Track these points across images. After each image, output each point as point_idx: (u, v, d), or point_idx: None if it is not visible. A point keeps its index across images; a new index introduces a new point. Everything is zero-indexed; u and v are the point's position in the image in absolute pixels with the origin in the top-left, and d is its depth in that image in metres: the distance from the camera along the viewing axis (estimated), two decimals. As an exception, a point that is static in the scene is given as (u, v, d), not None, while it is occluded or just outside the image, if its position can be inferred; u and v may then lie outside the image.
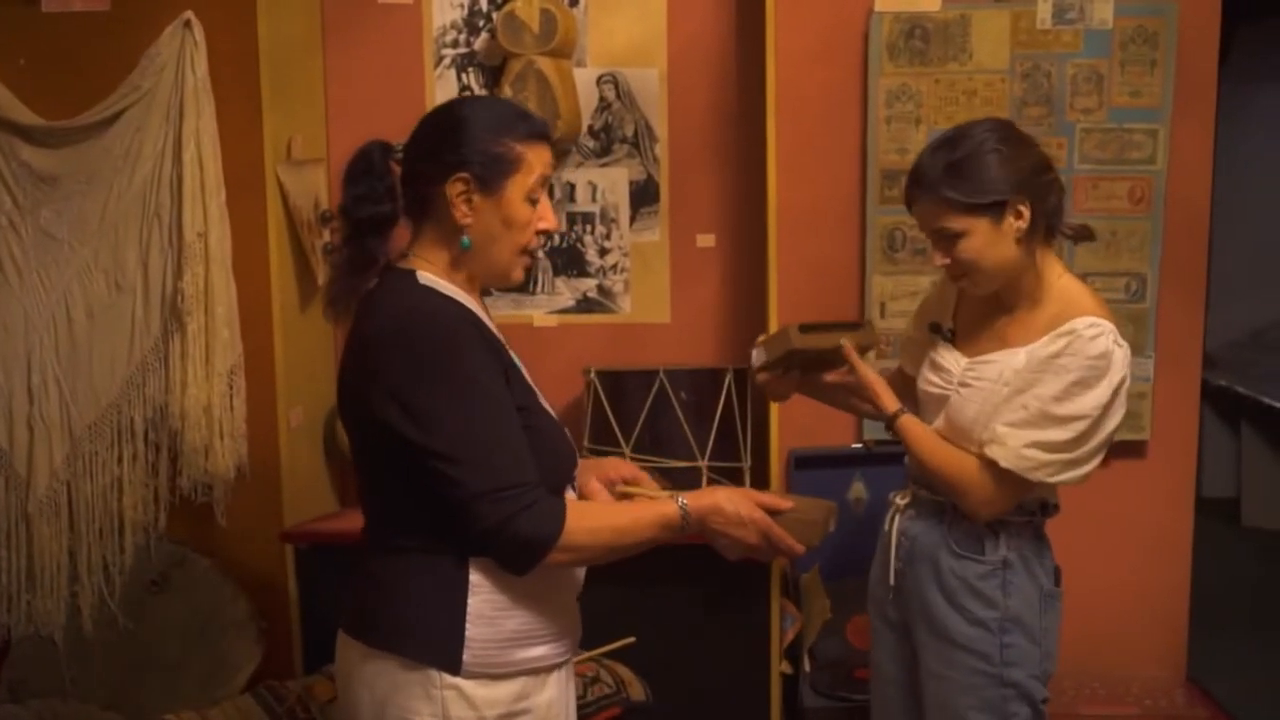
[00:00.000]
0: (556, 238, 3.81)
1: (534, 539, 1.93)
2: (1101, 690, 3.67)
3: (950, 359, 2.48)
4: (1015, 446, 2.30)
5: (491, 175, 2.00)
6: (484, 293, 2.20)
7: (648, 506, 2.06)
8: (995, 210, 2.29)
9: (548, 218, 2.07)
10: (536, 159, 2.03)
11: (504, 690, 2.02)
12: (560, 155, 3.78)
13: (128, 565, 3.57)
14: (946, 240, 2.33)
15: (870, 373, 2.46)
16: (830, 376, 2.58)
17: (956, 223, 2.30)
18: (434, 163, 2.02)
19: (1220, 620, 4.72)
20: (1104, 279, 3.61)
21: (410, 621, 2.01)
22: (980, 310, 2.48)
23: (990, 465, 2.33)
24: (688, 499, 2.03)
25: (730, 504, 2.04)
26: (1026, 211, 2.30)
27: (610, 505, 2.10)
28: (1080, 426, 2.28)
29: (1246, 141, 6.79)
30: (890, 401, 2.45)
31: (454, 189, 1.99)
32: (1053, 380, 2.28)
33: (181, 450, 3.47)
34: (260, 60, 3.42)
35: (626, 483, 2.28)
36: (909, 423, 2.44)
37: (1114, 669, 3.77)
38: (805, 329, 2.44)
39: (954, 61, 3.59)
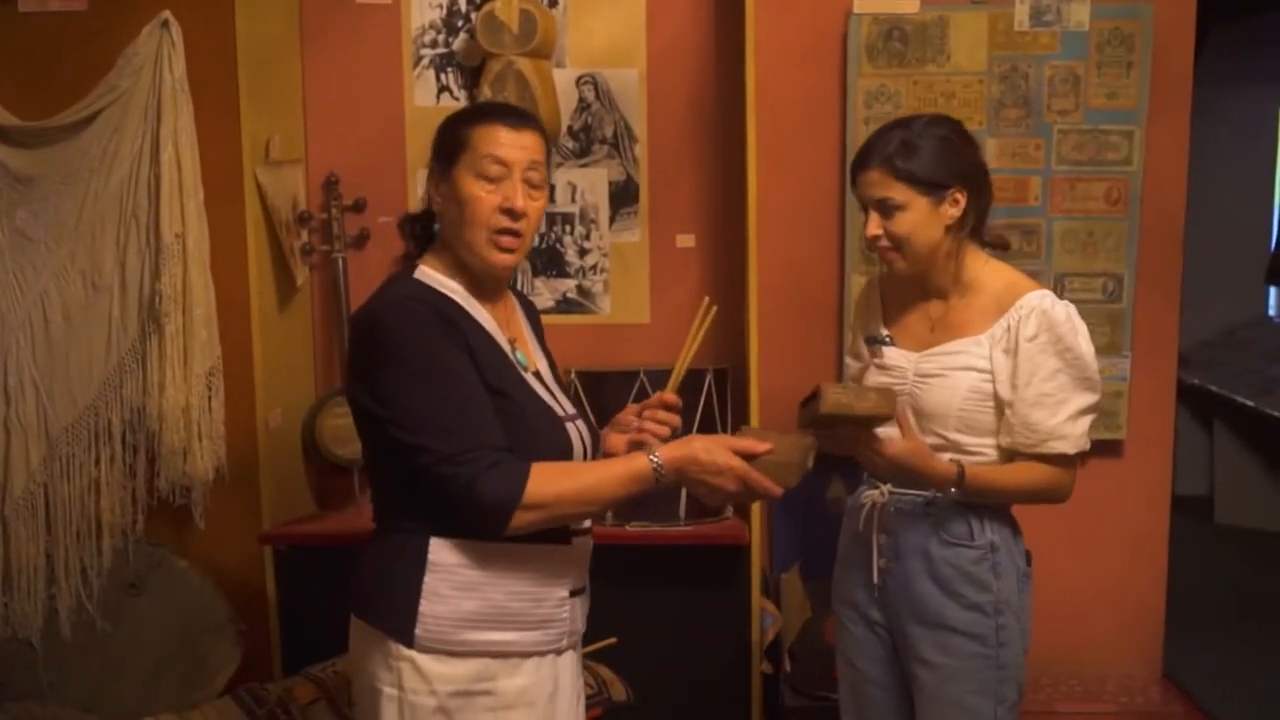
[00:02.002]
0: (536, 238, 3.81)
1: (496, 500, 1.98)
2: (1078, 687, 3.69)
3: (898, 356, 2.56)
4: (1072, 432, 2.42)
5: (444, 160, 2.12)
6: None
7: (617, 462, 2.08)
8: (937, 192, 2.42)
9: (511, 196, 2.08)
10: (484, 139, 2.08)
11: (460, 669, 2.06)
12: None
13: (105, 567, 3.55)
14: (885, 211, 2.44)
15: (908, 443, 2.40)
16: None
17: (900, 194, 2.41)
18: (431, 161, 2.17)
19: (1195, 618, 4.77)
20: (1081, 279, 3.64)
21: (375, 594, 2.11)
22: (909, 306, 2.59)
23: (1057, 459, 2.44)
24: (661, 452, 2.05)
25: (707, 453, 2.04)
26: (963, 201, 2.44)
27: (580, 464, 2.12)
28: (1095, 382, 2.44)
29: (1219, 141, 6.85)
30: (945, 465, 2.41)
31: (430, 182, 2.15)
32: (1049, 358, 2.40)
33: (159, 452, 3.46)
34: (238, 60, 3.42)
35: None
36: (972, 473, 2.42)
37: (1090, 666, 3.80)
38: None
39: (932, 63, 3.61)
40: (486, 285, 2.18)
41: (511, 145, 2.08)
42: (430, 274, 2.13)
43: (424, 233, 2.23)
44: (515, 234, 2.10)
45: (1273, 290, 7.41)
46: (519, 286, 3.84)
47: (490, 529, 2.01)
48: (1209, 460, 6.87)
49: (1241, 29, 6.63)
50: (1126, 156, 3.61)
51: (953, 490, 2.43)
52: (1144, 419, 3.73)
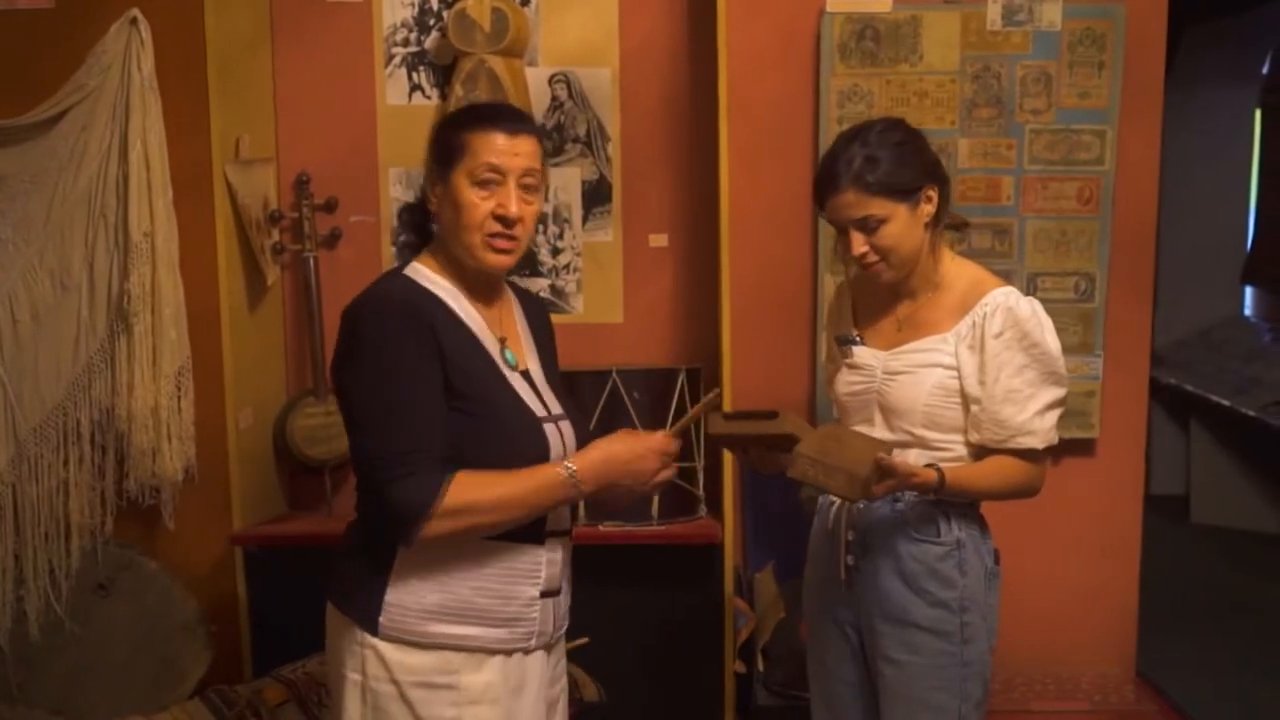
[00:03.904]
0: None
1: (406, 507, 2.00)
2: (1052, 686, 3.70)
3: (867, 356, 2.57)
4: (1040, 427, 2.44)
5: (443, 164, 2.13)
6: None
7: (533, 473, 2.08)
8: (912, 196, 2.43)
9: (505, 203, 2.10)
10: (483, 145, 2.10)
11: (422, 660, 2.09)
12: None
13: (74, 569, 3.52)
14: (867, 229, 2.43)
15: (901, 465, 2.36)
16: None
17: (880, 209, 2.41)
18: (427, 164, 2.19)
19: (1170, 616, 4.78)
20: (1053, 279, 3.64)
21: (347, 581, 2.15)
22: (879, 307, 2.60)
23: (1026, 454, 2.46)
24: (574, 460, 2.10)
25: (620, 445, 2.13)
26: (935, 197, 2.46)
27: (498, 474, 2.07)
28: (1062, 376, 2.46)
29: (1196, 140, 6.87)
30: (926, 473, 2.39)
31: (427, 181, 2.17)
32: (1016, 354, 2.42)
33: (129, 453, 3.44)
34: (208, 59, 3.40)
35: None
36: (952, 476, 2.41)
37: (1065, 665, 3.80)
38: (727, 417, 2.48)
39: (905, 62, 3.61)
40: (480, 284, 2.20)
41: (508, 152, 2.11)
42: (422, 271, 2.16)
43: (423, 223, 2.25)
44: (509, 237, 2.13)
45: (1249, 290, 7.44)
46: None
47: (402, 535, 2.03)
48: (1185, 459, 6.89)
49: (1218, 28, 6.66)
50: (1099, 156, 3.62)
51: (931, 495, 2.43)
52: (1117, 418, 3.74)
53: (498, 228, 2.11)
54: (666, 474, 2.18)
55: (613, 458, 2.11)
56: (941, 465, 2.41)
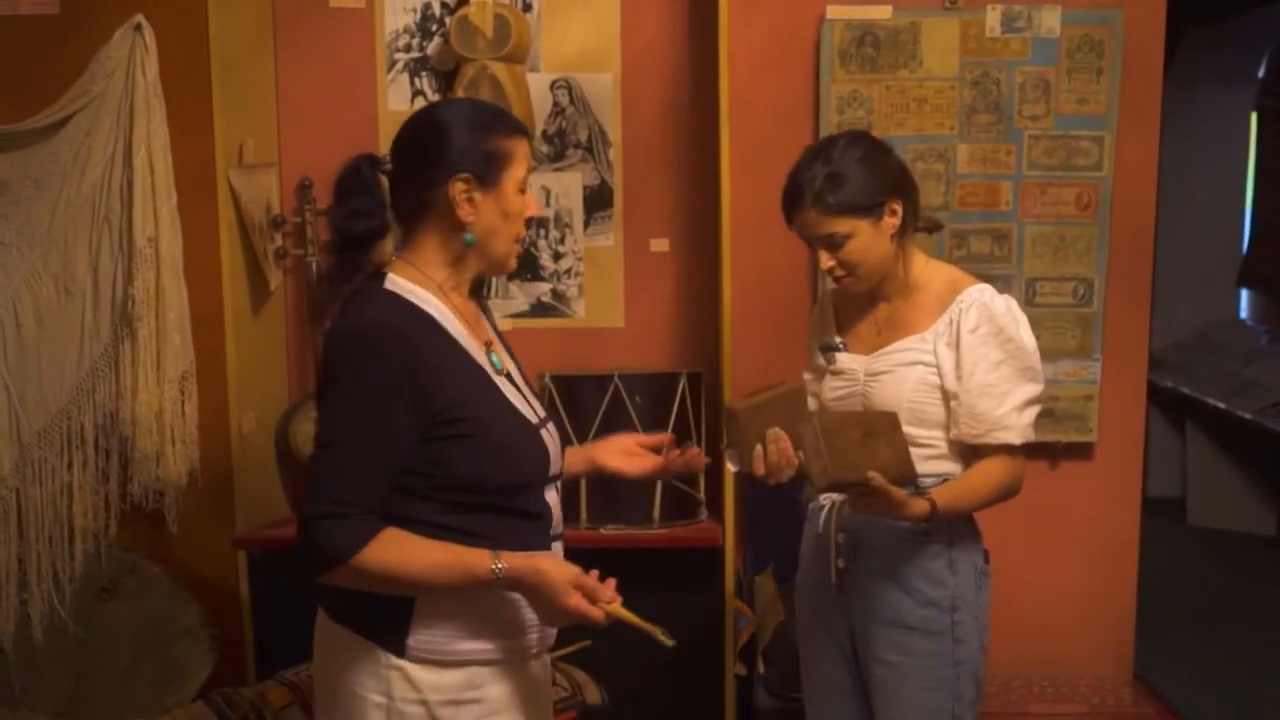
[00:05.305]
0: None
1: (323, 549, 1.97)
2: (1050, 689, 3.72)
3: (850, 361, 2.62)
4: (1017, 423, 2.46)
5: (489, 171, 2.08)
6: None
7: (461, 558, 2.02)
8: (875, 212, 2.47)
9: (533, 205, 2.17)
10: (520, 152, 2.13)
11: (450, 678, 2.07)
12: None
13: (78, 572, 3.53)
14: (833, 245, 2.48)
15: (892, 493, 2.35)
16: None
17: (843, 226, 2.46)
18: (431, 167, 2.07)
19: (1167, 619, 4.80)
20: (1052, 284, 3.65)
21: (364, 602, 2.05)
22: (859, 313, 2.65)
23: (1004, 450, 2.48)
24: (507, 557, 2.01)
25: (562, 577, 2.02)
26: (899, 209, 2.50)
27: (422, 548, 2.02)
28: (1038, 372, 2.49)
29: (1189, 143, 6.89)
30: (918, 504, 2.38)
31: (456, 189, 2.06)
32: (991, 349, 2.46)
33: (132, 457, 3.44)
34: (211, 64, 3.41)
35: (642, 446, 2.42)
36: (942, 501, 2.41)
37: (1062, 668, 3.82)
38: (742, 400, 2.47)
39: (904, 69, 3.63)
40: (462, 287, 2.16)
41: (530, 157, 2.17)
42: (403, 284, 2.09)
43: (366, 244, 2.14)
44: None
45: (1245, 293, 7.46)
46: (494, 290, 3.85)
47: (312, 570, 2.01)
48: (1181, 462, 6.91)
49: (1214, 30, 6.67)
50: (1097, 162, 3.64)
51: (924, 525, 2.43)
52: (1115, 422, 3.75)
53: (524, 230, 2.18)
54: (570, 616, 2.06)
55: (540, 584, 2.01)
56: (931, 494, 2.41)
